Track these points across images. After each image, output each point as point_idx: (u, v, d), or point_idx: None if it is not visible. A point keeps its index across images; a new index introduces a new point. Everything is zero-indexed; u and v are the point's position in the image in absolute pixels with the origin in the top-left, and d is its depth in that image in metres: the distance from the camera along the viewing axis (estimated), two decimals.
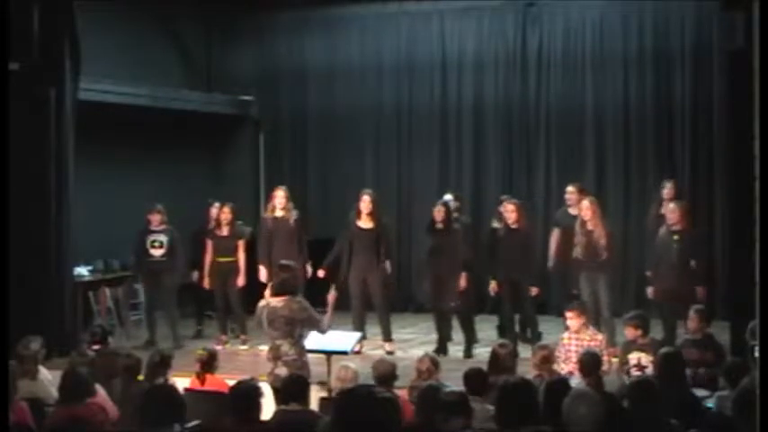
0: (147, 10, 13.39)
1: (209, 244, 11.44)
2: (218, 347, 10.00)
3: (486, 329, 11.50)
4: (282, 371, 7.66)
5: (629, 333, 8.62)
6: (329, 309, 8.12)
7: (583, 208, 10.51)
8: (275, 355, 7.81)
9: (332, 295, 8.23)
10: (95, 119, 11.35)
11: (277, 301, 7.83)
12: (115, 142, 12.74)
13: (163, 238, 11.36)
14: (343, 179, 14.22)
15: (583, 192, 11.16)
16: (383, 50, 14.40)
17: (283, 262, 9.02)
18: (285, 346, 7.77)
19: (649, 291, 10.40)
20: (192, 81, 14.73)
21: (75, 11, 10.78)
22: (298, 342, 7.83)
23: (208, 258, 11.42)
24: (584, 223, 10.44)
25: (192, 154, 14.51)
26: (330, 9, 14.45)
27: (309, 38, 14.66)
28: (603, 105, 13.35)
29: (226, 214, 11.39)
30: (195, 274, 11.80)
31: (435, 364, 7.36)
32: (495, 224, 11.20)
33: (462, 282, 10.59)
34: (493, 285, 10.72)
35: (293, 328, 7.77)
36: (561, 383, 6.06)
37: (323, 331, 7.99)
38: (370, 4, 14.44)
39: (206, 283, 11.48)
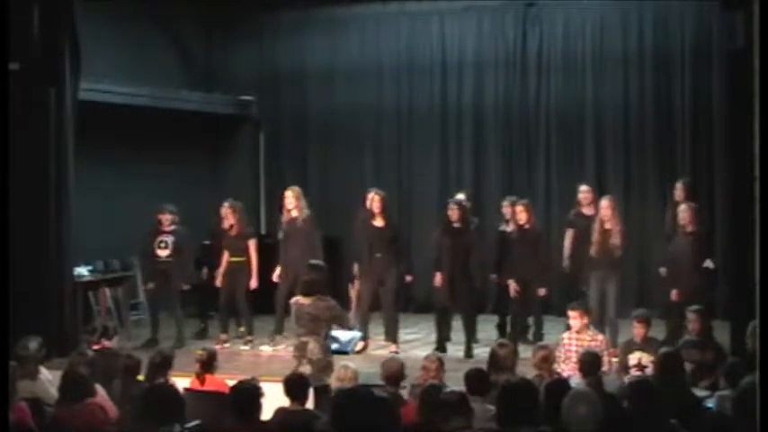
0: (146, 10, 13.39)
1: (222, 244, 11.45)
2: (218, 347, 9.99)
3: (487, 329, 11.50)
4: (306, 369, 7.72)
5: (638, 331, 8.62)
6: (353, 304, 8.20)
7: (602, 207, 10.48)
8: (300, 354, 7.87)
9: (356, 290, 8.31)
10: (95, 119, 11.35)
11: (305, 300, 7.99)
12: (115, 142, 12.74)
13: (169, 238, 11.33)
14: (343, 179, 14.22)
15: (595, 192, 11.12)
16: (383, 50, 14.40)
17: (313, 262, 9.05)
18: (311, 344, 7.83)
19: (673, 294, 10.21)
20: (192, 81, 14.73)
21: (75, 11, 10.77)
22: (324, 341, 7.89)
23: (224, 258, 11.40)
24: (602, 222, 10.42)
25: (192, 154, 14.51)
26: (330, 9, 14.46)
27: (309, 38, 14.65)
28: (603, 105, 13.35)
29: (233, 213, 11.38)
30: (205, 272, 11.73)
31: (443, 363, 7.38)
32: (503, 227, 11.19)
33: (478, 281, 10.59)
34: (513, 286, 10.69)
35: (318, 326, 7.85)
36: (561, 383, 6.06)
37: (349, 328, 8.09)
38: (370, 4, 14.44)
39: (218, 282, 11.46)
